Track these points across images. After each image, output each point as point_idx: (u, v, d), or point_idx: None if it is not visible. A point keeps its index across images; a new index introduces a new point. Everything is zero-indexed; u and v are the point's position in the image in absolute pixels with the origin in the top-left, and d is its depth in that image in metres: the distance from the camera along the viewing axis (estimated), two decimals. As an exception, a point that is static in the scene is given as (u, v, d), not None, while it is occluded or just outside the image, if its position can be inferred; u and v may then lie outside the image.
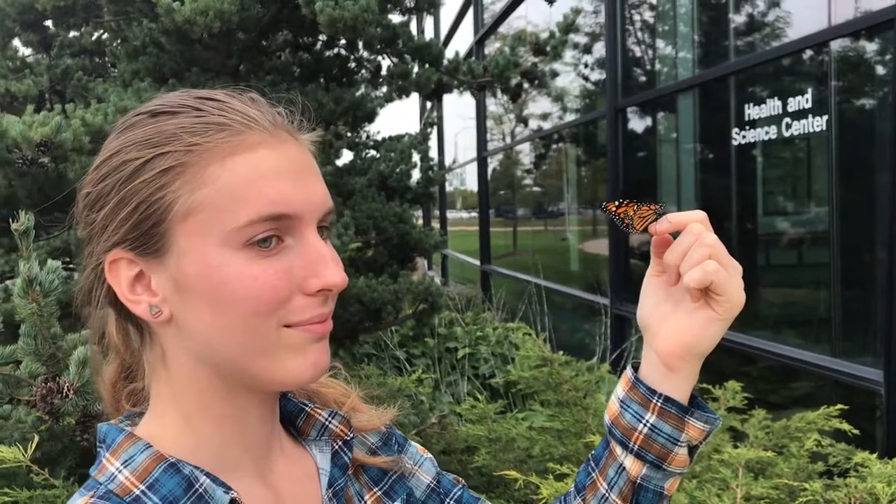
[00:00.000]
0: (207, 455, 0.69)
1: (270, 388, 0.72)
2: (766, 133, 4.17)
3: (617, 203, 0.83)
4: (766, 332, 4.42)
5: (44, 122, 2.43)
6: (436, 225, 14.91)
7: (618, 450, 0.83)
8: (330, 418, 0.80)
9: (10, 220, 1.70)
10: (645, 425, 0.80)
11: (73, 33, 4.82)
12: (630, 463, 0.81)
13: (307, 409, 0.80)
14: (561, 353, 3.39)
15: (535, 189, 9.89)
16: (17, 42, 4.76)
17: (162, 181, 0.64)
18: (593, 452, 0.88)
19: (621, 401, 0.82)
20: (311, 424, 0.80)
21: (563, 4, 5.67)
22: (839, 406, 2.57)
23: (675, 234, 0.78)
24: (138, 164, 0.64)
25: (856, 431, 2.50)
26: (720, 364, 4.72)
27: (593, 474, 0.86)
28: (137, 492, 0.64)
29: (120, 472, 0.65)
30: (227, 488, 0.66)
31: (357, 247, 4.98)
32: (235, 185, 0.64)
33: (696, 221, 0.77)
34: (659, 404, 0.79)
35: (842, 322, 3.82)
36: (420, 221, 10.72)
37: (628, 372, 0.84)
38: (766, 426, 2.68)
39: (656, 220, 0.80)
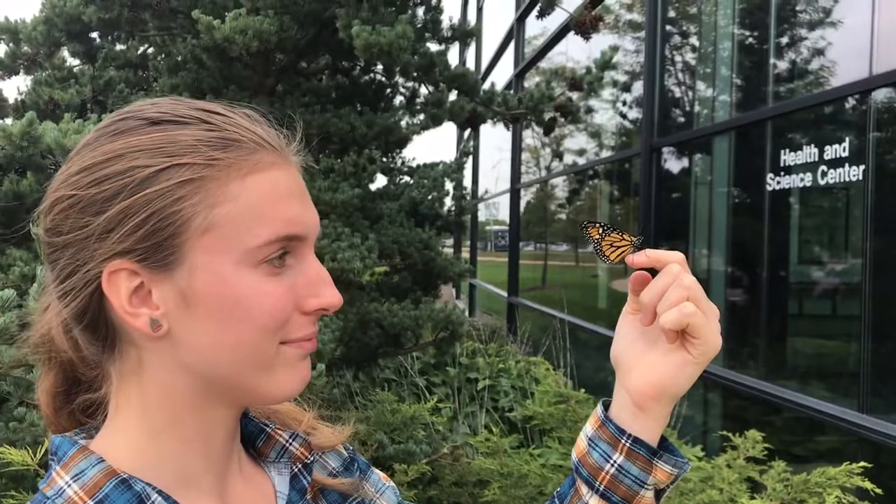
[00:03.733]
0: (168, 470, 0.67)
1: (257, 402, 0.71)
2: (802, 180, 4.11)
3: (602, 229, 0.81)
4: (793, 382, 4.33)
5: (78, 129, 2.47)
6: (465, 254, 14.93)
7: (583, 489, 0.81)
8: (291, 440, 0.78)
9: (32, 224, 1.71)
10: (612, 465, 0.78)
11: (118, 46, 4.92)
12: (595, 503, 0.80)
13: (268, 429, 0.79)
14: (582, 390, 3.35)
15: (568, 224, 9.86)
16: (64, 52, 4.87)
17: (180, 193, 0.62)
18: (558, 490, 0.86)
19: (590, 439, 0.81)
20: (271, 446, 0.78)
21: (602, 42, 5.68)
22: (863, 463, 2.49)
23: (654, 272, 0.77)
24: (150, 172, 0.62)
25: (879, 491, 2.42)
26: (742, 411, 4.62)
27: None
28: None
29: (69, 486, 0.63)
30: None
31: (383, 271, 4.99)
32: (255, 203, 0.63)
33: (674, 262, 0.75)
34: (627, 445, 0.78)
35: (871, 377, 3.73)
36: (450, 250, 10.74)
37: (598, 410, 0.82)
38: (785, 479, 2.61)
39: (633, 252, 0.79)
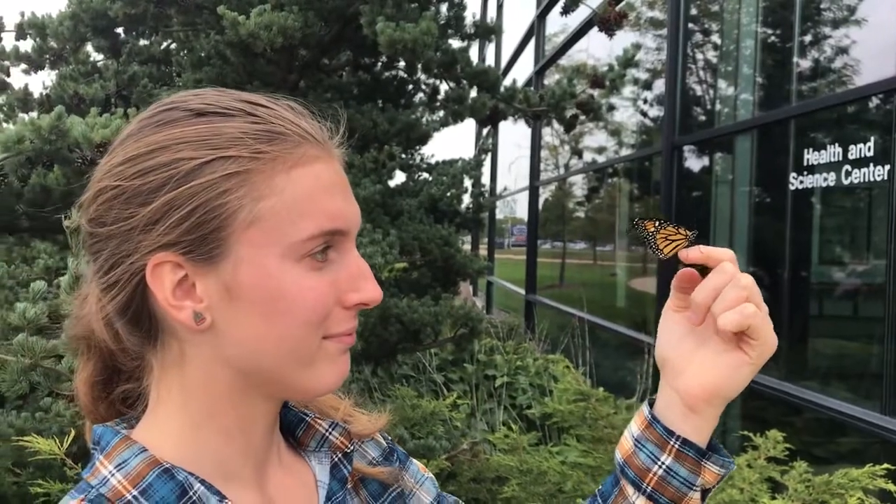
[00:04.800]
0: (209, 462, 0.68)
1: (296, 396, 0.72)
2: (825, 179, 4.08)
3: (657, 222, 0.79)
4: (814, 383, 4.30)
5: (105, 124, 2.49)
6: (483, 251, 14.92)
7: (629, 489, 0.80)
8: (330, 429, 0.78)
9: (63, 218, 1.74)
10: (660, 467, 0.77)
11: (142, 41, 4.96)
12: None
13: (307, 419, 0.79)
14: (601, 389, 3.34)
15: (587, 222, 9.84)
16: (89, 47, 4.91)
17: (225, 185, 0.62)
18: (601, 488, 0.85)
19: (636, 439, 0.80)
20: (311, 435, 0.78)
21: (624, 39, 5.66)
22: (886, 465, 2.48)
23: (701, 270, 0.76)
24: (195, 164, 0.62)
25: (902, 493, 2.40)
26: (763, 412, 4.60)
27: None
28: (129, 497, 0.63)
29: (113, 475, 0.64)
30: (222, 497, 0.65)
31: (402, 267, 5.00)
32: (299, 197, 0.63)
33: (727, 260, 0.74)
34: (676, 446, 0.77)
35: (894, 378, 3.70)
36: (468, 247, 10.73)
37: (644, 409, 0.81)
38: (806, 480, 2.59)
39: (686, 246, 0.77)
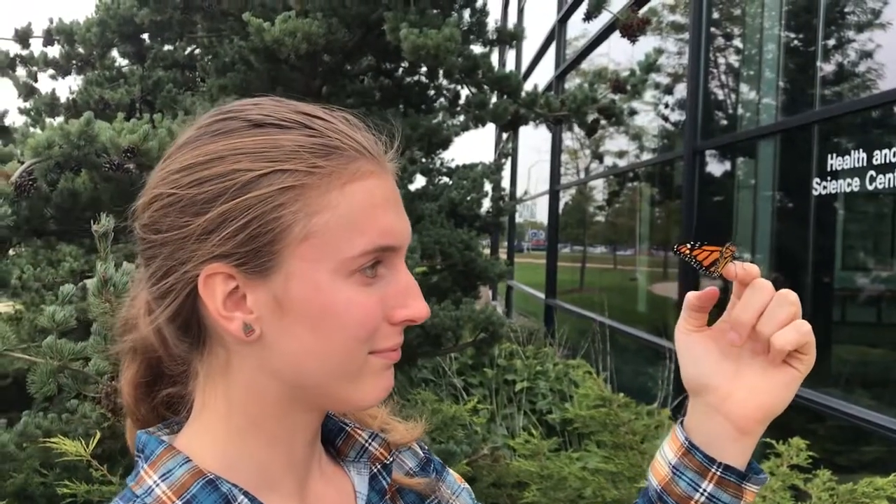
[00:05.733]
0: (251, 472, 0.68)
1: (340, 409, 0.72)
2: (849, 185, 4.05)
3: (690, 245, 0.79)
4: (838, 390, 4.26)
5: (132, 129, 2.53)
6: (503, 255, 14.91)
7: None
8: (370, 440, 0.78)
9: (92, 222, 1.76)
10: (702, 494, 0.77)
11: (167, 47, 5.01)
12: None
13: (347, 428, 0.79)
14: (621, 394, 3.33)
15: (607, 227, 9.81)
16: (115, 52, 4.97)
17: (281, 199, 0.62)
18: None
19: (673, 466, 0.79)
20: (351, 445, 0.79)
21: (646, 44, 5.65)
22: (911, 474, 2.45)
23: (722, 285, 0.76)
24: (252, 176, 0.62)
25: (927, 503, 2.38)
26: (786, 419, 4.56)
27: None
28: None
29: (157, 485, 0.64)
30: None
31: (423, 271, 5.01)
32: (353, 213, 0.64)
33: (759, 276, 0.74)
34: (718, 473, 0.76)
35: (919, 386, 3.66)
36: (487, 251, 10.71)
37: (679, 434, 0.80)
38: (830, 488, 2.57)
39: (728, 260, 0.77)
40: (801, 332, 0.72)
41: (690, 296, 0.79)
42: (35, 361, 1.89)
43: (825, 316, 4.49)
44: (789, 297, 0.72)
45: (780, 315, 0.72)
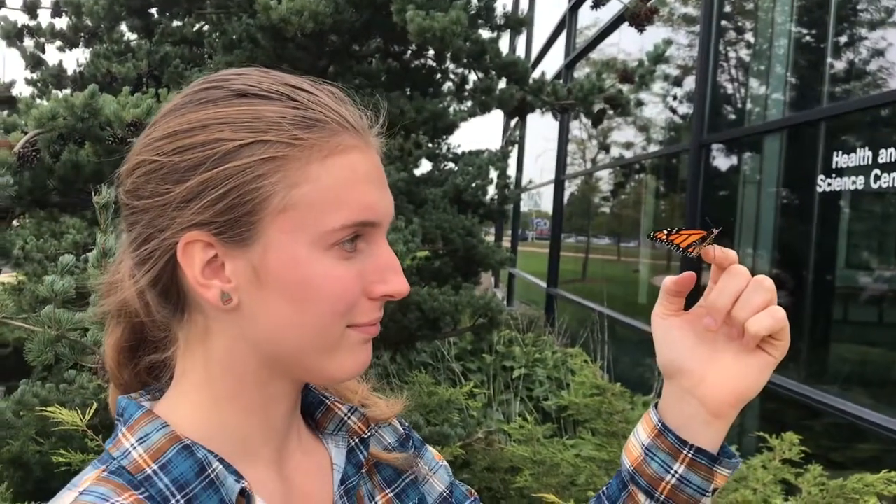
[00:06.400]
0: (228, 440, 0.68)
1: (316, 381, 0.72)
2: (854, 183, 4.04)
3: (667, 231, 0.79)
4: (835, 387, 4.27)
5: (136, 103, 2.53)
6: (507, 243, 14.91)
7: (640, 496, 0.80)
8: (349, 414, 0.78)
9: (93, 194, 1.77)
10: (673, 476, 0.77)
11: (175, 22, 5.00)
12: None
13: (327, 401, 0.79)
14: (618, 384, 3.34)
15: (611, 218, 9.80)
16: (123, 26, 4.96)
17: (261, 170, 0.62)
18: (606, 490, 0.85)
19: (646, 447, 0.80)
20: (330, 418, 0.79)
21: (656, 35, 5.62)
22: (901, 471, 2.46)
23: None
24: (233, 146, 0.62)
25: (917, 500, 2.39)
26: (781, 414, 4.58)
27: None
28: (149, 471, 0.63)
29: (134, 448, 0.64)
30: (239, 477, 0.65)
31: (425, 256, 5.02)
32: (333, 187, 0.64)
33: (736, 262, 0.75)
34: (690, 455, 0.77)
35: (916, 386, 3.66)
36: (491, 238, 10.70)
37: (652, 416, 0.81)
38: (821, 483, 2.58)
39: (705, 243, 0.77)
40: (775, 318, 0.72)
41: (667, 280, 0.80)
42: (33, 330, 1.90)
43: (826, 313, 4.49)
44: (765, 283, 0.73)
45: (756, 301, 0.72)
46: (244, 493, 0.64)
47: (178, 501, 0.63)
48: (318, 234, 0.64)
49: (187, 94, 0.68)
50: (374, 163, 0.68)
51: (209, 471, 0.64)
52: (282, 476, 0.72)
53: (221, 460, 0.66)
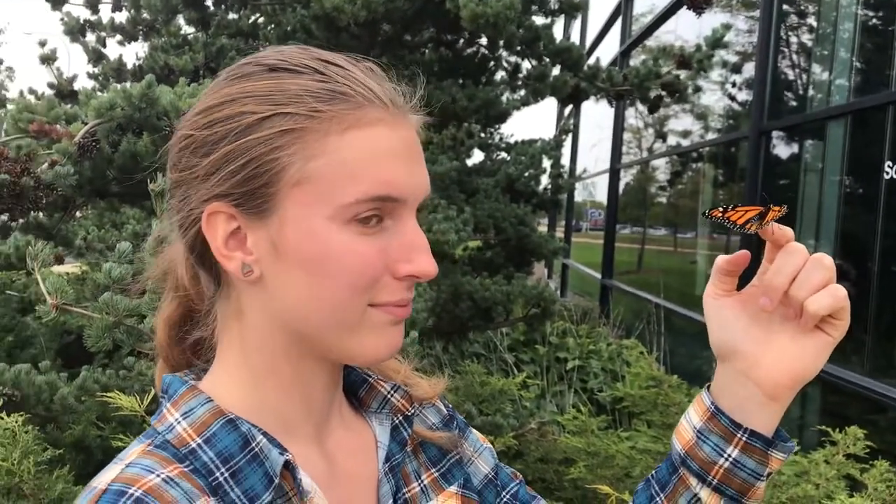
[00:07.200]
0: (270, 416, 0.69)
1: (343, 361, 0.71)
2: (923, 169, 3.89)
3: (722, 209, 0.76)
4: (901, 381, 4.13)
5: (192, 93, 2.56)
6: (560, 233, 14.80)
7: (692, 480, 0.78)
8: (392, 392, 0.78)
9: (148, 181, 1.79)
10: (726, 459, 0.75)
11: (231, 15, 5.06)
12: (706, 495, 0.77)
13: (370, 380, 0.79)
14: (675, 376, 3.29)
15: (668, 208, 9.63)
16: (180, 19, 5.04)
17: (279, 142, 0.62)
18: (656, 475, 0.83)
19: (698, 431, 0.78)
20: (373, 396, 0.79)
21: (714, 20, 5.49)
22: (973, 469, 2.36)
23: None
24: (255, 118, 0.63)
25: None
26: (845, 408, 4.45)
27: (658, 498, 0.81)
28: (194, 444, 0.64)
29: (179, 423, 0.65)
30: (283, 450, 0.65)
31: (477, 246, 5.00)
32: (351, 160, 0.63)
33: (792, 240, 0.72)
34: (744, 439, 0.75)
35: None
36: (544, 229, 10.62)
37: (704, 398, 0.79)
38: (888, 479, 2.50)
39: (760, 221, 0.73)
40: (836, 297, 0.69)
41: (720, 259, 0.77)
42: (92, 317, 1.94)
43: (891, 305, 4.34)
44: (824, 260, 0.70)
45: (815, 279, 0.69)
46: (288, 466, 0.64)
47: (222, 474, 0.63)
48: (335, 208, 0.63)
49: (227, 71, 0.69)
50: (403, 138, 0.66)
51: (253, 444, 0.64)
52: (325, 453, 0.72)
53: (265, 434, 0.66)
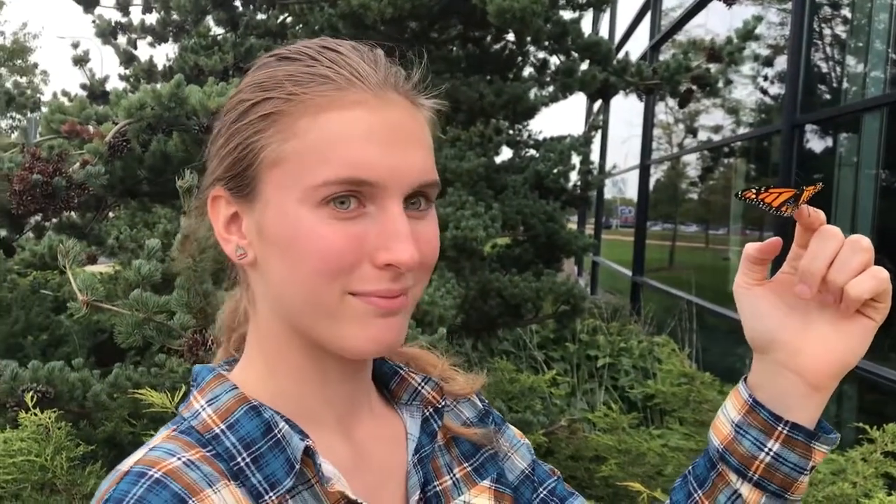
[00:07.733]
0: (290, 404, 0.69)
1: (337, 353, 0.69)
2: (962, 161, 3.80)
3: (756, 190, 0.73)
4: (941, 378, 4.04)
5: (221, 92, 2.57)
6: (590, 230, 14.71)
7: (731, 476, 0.76)
8: (423, 384, 0.78)
9: (176, 178, 1.80)
10: (767, 454, 0.73)
11: (260, 15, 5.09)
12: (747, 491, 0.75)
13: (401, 372, 0.79)
14: (707, 373, 3.25)
15: (699, 204, 9.53)
16: (209, 20, 5.08)
17: (259, 126, 0.64)
18: (693, 471, 0.81)
19: (736, 425, 0.75)
20: (404, 388, 0.79)
21: (745, 13, 5.41)
22: None
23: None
24: (247, 105, 0.66)
25: None
26: (882, 406, 4.36)
27: (696, 495, 0.79)
28: (217, 430, 0.65)
29: (204, 409, 0.67)
30: (304, 436, 0.65)
31: (506, 244, 4.98)
32: (322, 141, 0.62)
33: (825, 223, 0.70)
34: (785, 432, 0.72)
35: None
36: (573, 226, 10.55)
37: (742, 391, 0.76)
38: (927, 478, 2.45)
39: (794, 202, 0.71)
40: (878, 279, 0.67)
41: (749, 247, 0.75)
42: (122, 313, 1.95)
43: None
44: (861, 242, 0.68)
45: (854, 262, 0.67)
46: (308, 452, 0.64)
47: (244, 459, 0.64)
48: (304, 190, 0.62)
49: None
50: (387, 120, 0.64)
51: (276, 430, 0.65)
52: (351, 443, 0.72)
53: (288, 421, 0.66)
